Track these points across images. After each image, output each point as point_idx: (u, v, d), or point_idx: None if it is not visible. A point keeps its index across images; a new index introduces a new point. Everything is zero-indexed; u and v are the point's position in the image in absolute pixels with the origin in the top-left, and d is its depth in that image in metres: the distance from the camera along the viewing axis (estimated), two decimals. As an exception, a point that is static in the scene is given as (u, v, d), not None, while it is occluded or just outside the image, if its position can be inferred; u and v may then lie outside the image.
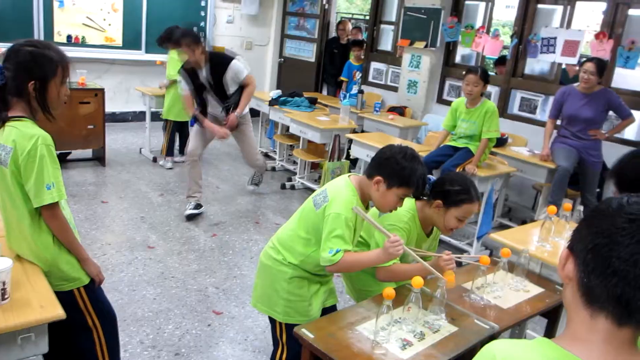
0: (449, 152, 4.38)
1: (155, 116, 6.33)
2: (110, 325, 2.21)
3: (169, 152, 6.03)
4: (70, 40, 6.90)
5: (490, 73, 6.44)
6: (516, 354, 0.94)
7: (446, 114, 4.57)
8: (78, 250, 2.03)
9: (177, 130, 6.05)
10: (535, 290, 2.39)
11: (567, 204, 2.90)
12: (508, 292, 2.34)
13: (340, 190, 2.13)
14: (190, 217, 4.58)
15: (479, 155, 4.20)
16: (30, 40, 1.92)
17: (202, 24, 7.93)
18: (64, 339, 2.05)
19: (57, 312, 1.72)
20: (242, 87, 4.51)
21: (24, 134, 1.83)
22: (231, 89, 4.49)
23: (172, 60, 5.57)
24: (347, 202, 2.08)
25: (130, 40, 7.34)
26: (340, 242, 2.04)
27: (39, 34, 6.65)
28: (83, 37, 7.00)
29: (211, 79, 4.43)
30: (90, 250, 3.76)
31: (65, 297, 1.91)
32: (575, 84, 4.64)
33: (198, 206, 4.67)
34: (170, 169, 5.92)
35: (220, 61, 4.45)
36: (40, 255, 1.95)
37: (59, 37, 6.84)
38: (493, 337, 2.01)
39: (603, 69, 4.48)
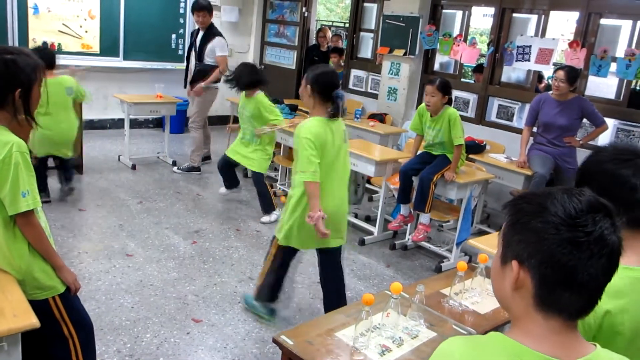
0: (427, 160, 4.41)
1: (134, 123, 6.27)
2: (86, 334, 2.18)
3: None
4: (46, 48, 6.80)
5: (468, 81, 6.52)
6: (475, 351, 0.97)
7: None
8: (53, 258, 2.00)
9: None
10: (512, 294, 2.42)
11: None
12: (486, 297, 2.36)
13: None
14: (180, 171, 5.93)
15: (455, 162, 4.23)
16: (3, 48, 1.90)
17: (181, 30, 7.89)
18: (39, 348, 2.01)
19: (30, 321, 1.69)
20: (209, 66, 5.80)
21: (4, 142, 1.80)
22: (208, 58, 5.83)
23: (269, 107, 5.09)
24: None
25: (108, 47, 7.27)
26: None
27: (13, 41, 6.54)
28: (59, 44, 6.91)
29: (199, 42, 5.83)
30: (67, 258, 3.70)
31: (40, 306, 1.88)
32: (550, 92, 4.73)
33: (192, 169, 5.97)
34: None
35: (211, 32, 5.86)
36: (14, 263, 1.92)
37: (34, 44, 6.73)
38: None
39: (574, 77, 4.57)
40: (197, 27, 6.02)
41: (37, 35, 6.78)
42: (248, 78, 4.69)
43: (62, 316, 2.05)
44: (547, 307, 0.95)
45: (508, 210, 1.02)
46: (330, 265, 3.18)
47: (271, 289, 3.19)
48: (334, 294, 3.18)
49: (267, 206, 4.89)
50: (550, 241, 0.93)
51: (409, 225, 4.66)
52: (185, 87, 6.19)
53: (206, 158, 6.44)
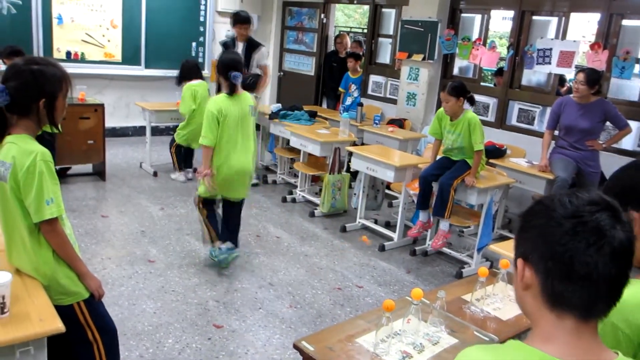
0: (446, 165, 4.39)
1: (156, 130, 6.35)
2: (110, 339, 2.21)
3: (180, 167, 6.12)
4: (69, 57, 6.95)
5: (488, 85, 6.48)
6: None
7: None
8: (78, 264, 2.03)
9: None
10: (535, 300, 2.39)
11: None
12: (508, 303, 2.33)
13: None
14: None
15: (475, 167, 4.20)
16: (30, 58, 1.94)
17: (200, 39, 7.98)
18: (64, 353, 2.05)
19: (56, 325, 1.72)
20: (258, 76, 5.83)
21: (23, 150, 1.85)
22: (253, 68, 5.82)
23: (184, 98, 5.81)
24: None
25: (130, 56, 7.39)
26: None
27: (38, 51, 6.69)
28: (82, 54, 7.05)
29: (244, 53, 5.76)
30: (91, 264, 3.76)
31: (65, 311, 1.91)
32: (572, 95, 4.67)
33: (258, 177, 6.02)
34: (184, 182, 6.02)
35: (254, 43, 5.93)
36: (40, 269, 1.96)
37: (58, 53, 6.88)
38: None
39: (595, 79, 4.49)
40: (225, 38, 6.17)
41: (61, 45, 6.92)
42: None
43: (87, 321, 2.08)
44: (556, 304, 0.96)
45: (519, 218, 1.05)
46: (232, 212, 3.98)
47: (214, 231, 3.93)
48: (231, 231, 3.96)
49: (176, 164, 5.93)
50: (549, 234, 0.94)
51: (429, 231, 4.64)
52: None
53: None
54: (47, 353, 1.75)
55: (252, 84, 5.80)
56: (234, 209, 3.97)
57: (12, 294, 1.75)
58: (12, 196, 1.88)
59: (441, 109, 4.37)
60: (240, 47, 5.86)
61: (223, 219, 3.97)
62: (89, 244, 4.20)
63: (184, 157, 6.14)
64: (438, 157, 4.58)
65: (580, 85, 4.48)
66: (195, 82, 5.85)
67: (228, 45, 5.93)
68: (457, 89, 4.14)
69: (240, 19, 5.84)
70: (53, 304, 1.85)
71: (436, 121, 4.47)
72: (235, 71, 3.64)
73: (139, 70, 7.53)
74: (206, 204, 3.91)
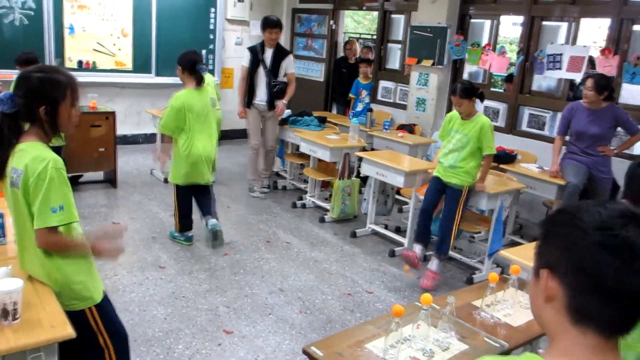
0: (439, 187, 4.22)
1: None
2: (121, 345, 2.22)
3: None
4: (81, 66, 7.02)
5: (498, 90, 6.46)
6: None
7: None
8: (88, 252, 2.04)
9: None
10: (546, 306, 2.36)
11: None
12: (518, 309, 2.32)
13: None
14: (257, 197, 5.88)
15: (485, 172, 4.14)
16: (39, 66, 1.98)
17: (211, 46, 8.04)
18: (75, 358, 2.06)
19: (67, 331, 1.74)
20: (286, 84, 5.79)
21: (36, 157, 1.87)
22: (281, 75, 5.75)
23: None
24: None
25: (141, 64, 7.46)
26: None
27: (50, 59, 6.77)
28: (94, 62, 7.12)
29: (272, 59, 5.70)
30: (102, 270, 3.77)
31: (76, 317, 1.93)
32: (582, 100, 4.64)
33: (261, 189, 5.96)
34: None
35: (283, 50, 5.89)
36: (52, 275, 1.98)
37: (70, 62, 6.96)
38: (503, 355, 2.00)
39: (604, 85, 4.43)
40: (253, 44, 6.06)
41: (73, 54, 7.00)
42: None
43: (98, 327, 2.10)
44: (580, 319, 0.92)
45: (542, 224, 1.01)
46: (202, 194, 4.46)
47: (184, 220, 4.43)
48: (210, 209, 4.46)
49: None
50: (579, 246, 0.90)
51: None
52: (248, 106, 5.81)
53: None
54: (59, 358, 1.77)
55: (279, 92, 5.75)
56: (204, 194, 4.46)
57: (23, 300, 1.77)
58: (24, 203, 1.90)
59: (453, 111, 4.25)
60: (268, 53, 5.71)
61: (199, 206, 4.48)
62: (100, 250, 4.22)
63: None
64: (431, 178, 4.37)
65: (588, 91, 4.45)
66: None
67: (256, 50, 5.74)
68: (467, 90, 4.04)
69: (270, 23, 5.66)
70: (64, 310, 1.87)
71: (445, 123, 4.32)
72: (201, 64, 4.24)
73: (150, 78, 7.59)
74: (179, 189, 4.39)
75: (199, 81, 4.21)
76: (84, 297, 2.05)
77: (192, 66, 4.19)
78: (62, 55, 6.91)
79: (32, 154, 1.88)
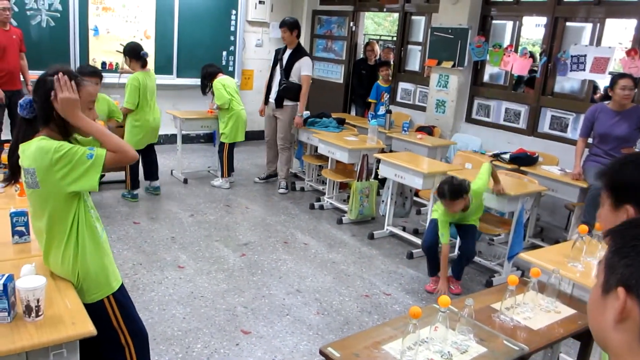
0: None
1: (187, 138, 6.44)
2: (141, 343, 2.25)
3: (229, 172, 6.16)
4: (104, 67, 7.12)
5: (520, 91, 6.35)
6: None
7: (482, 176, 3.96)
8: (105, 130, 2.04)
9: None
10: (567, 311, 2.34)
11: (599, 223, 2.83)
12: (538, 312, 2.29)
13: None
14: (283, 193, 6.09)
15: (495, 176, 3.98)
16: (55, 68, 2.00)
17: (231, 48, 8.09)
18: (96, 357, 2.09)
19: (88, 328, 1.76)
20: (299, 86, 5.91)
21: (40, 149, 1.87)
22: (293, 75, 5.90)
23: (217, 90, 5.88)
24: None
25: (162, 65, 7.53)
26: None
27: (74, 61, 6.89)
28: (117, 64, 7.21)
29: (288, 60, 5.92)
30: (122, 270, 3.83)
31: (95, 309, 1.96)
32: (606, 102, 4.57)
33: (286, 186, 6.14)
34: (228, 188, 6.09)
35: (300, 51, 6.00)
36: (69, 268, 2.00)
37: (94, 63, 7.04)
38: (523, 359, 1.98)
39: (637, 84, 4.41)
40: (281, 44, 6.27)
41: (97, 56, 7.10)
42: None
43: (118, 323, 2.12)
44: None
45: (612, 236, 0.91)
46: (151, 154, 5.56)
47: (133, 179, 5.42)
48: (153, 172, 5.66)
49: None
50: None
51: (457, 252, 4.38)
52: (266, 103, 6.20)
53: (271, 176, 6.47)
54: (80, 356, 1.80)
55: (284, 91, 5.92)
56: (151, 151, 5.55)
57: (46, 297, 1.79)
58: (49, 198, 1.92)
59: (443, 213, 3.88)
60: (287, 54, 5.96)
61: (146, 163, 5.54)
62: (120, 249, 4.28)
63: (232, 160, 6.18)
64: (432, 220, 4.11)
65: (629, 91, 4.37)
66: (221, 77, 5.95)
67: (279, 50, 6.14)
68: (456, 192, 3.66)
69: (280, 23, 6.03)
70: (83, 303, 1.90)
71: (445, 224, 3.89)
72: (143, 51, 5.22)
73: (171, 79, 7.67)
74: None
75: (144, 65, 5.22)
76: (102, 283, 2.06)
77: (136, 53, 5.17)
78: (86, 57, 7.02)
79: (35, 148, 1.88)
